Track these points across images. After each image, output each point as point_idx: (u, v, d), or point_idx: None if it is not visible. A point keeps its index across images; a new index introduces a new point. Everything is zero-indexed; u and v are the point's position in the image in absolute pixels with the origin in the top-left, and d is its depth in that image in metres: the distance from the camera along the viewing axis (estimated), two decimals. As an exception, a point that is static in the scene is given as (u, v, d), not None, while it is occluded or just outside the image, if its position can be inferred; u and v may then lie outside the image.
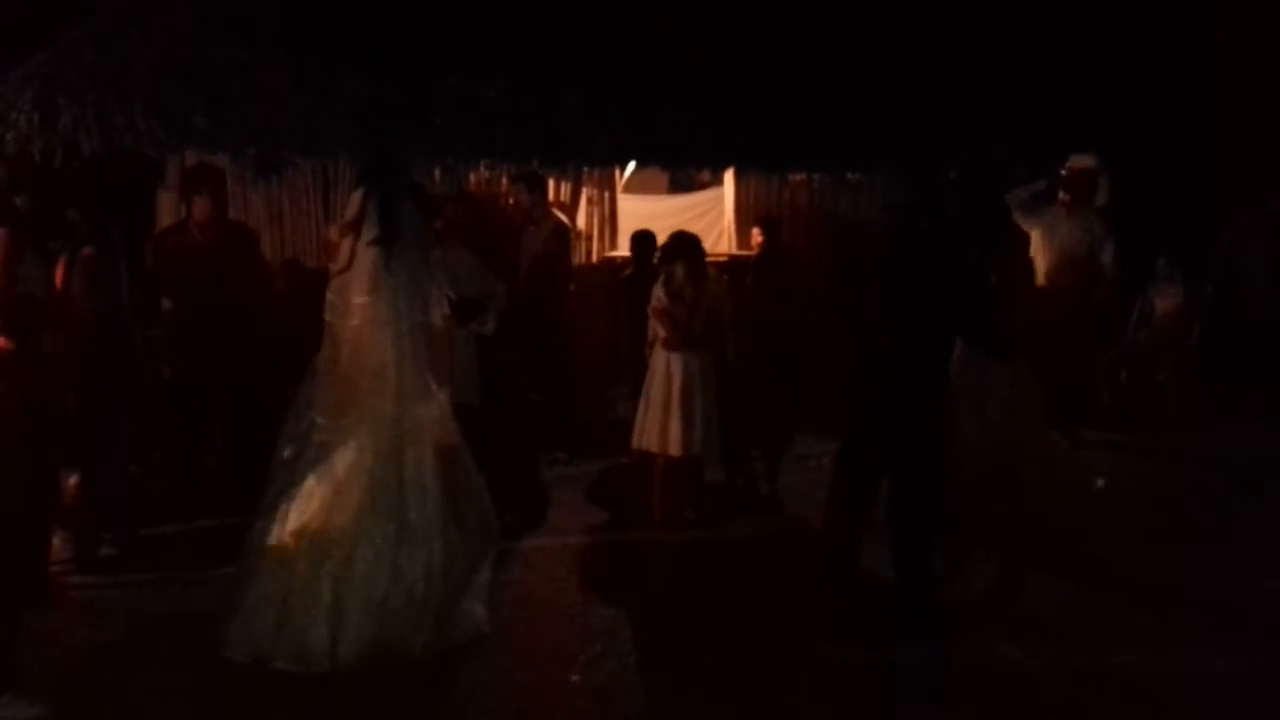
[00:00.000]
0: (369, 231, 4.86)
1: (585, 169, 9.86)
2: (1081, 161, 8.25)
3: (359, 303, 4.86)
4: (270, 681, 4.55)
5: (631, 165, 10.26)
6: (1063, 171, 8.34)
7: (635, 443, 6.71)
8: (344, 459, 4.78)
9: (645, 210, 10.93)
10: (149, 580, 5.64)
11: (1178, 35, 10.35)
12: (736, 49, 10.05)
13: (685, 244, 6.70)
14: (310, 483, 4.79)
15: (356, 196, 5.02)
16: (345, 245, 4.93)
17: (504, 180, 9.31)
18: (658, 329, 6.66)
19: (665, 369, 6.57)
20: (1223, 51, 10.30)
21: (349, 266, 4.91)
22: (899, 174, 7.16)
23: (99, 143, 8.23)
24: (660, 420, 6.54)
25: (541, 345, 8.14)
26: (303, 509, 4.76)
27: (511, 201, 8.79)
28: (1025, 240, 8.29)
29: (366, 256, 4.87)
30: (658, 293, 6.66)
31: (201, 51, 8.90)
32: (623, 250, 10.34)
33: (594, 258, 10.20)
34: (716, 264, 8.31)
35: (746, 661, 4.88)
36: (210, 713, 4.43)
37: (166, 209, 8.47)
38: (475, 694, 4.53)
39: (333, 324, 4.92)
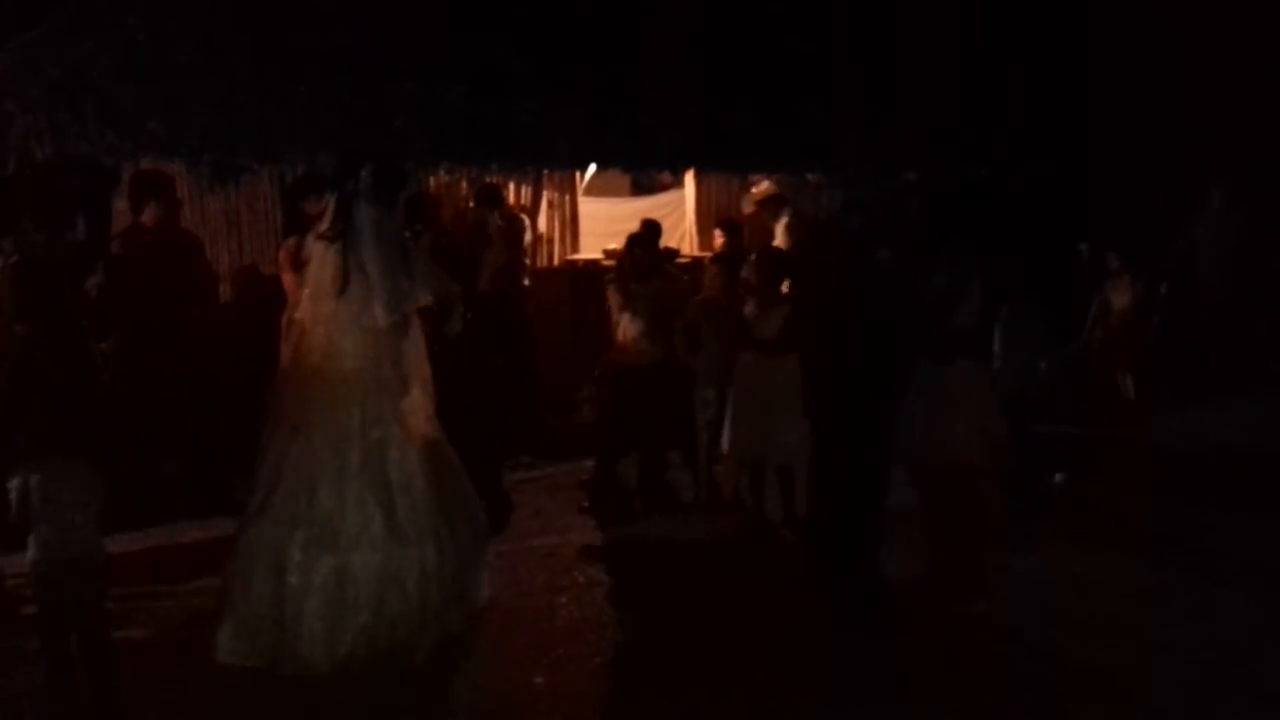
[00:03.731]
0: (338, 233, 4.82)
1: (546, 172, 9.85)
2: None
3: (329, 307, 4.82)
4: (232, 688, 4.53)
5: (592, 168, 10.26)
6: None
7: (742, 453, 6.69)
8: (329, 463, 4.73)
9: (607, 213, 10.94)
10: (107, 591, 5.56)
11: (1129, 34, 10.41)
12: (695, 51, 10.06)
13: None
14: (296, 488, 4.74)
15: (330, 201, 4.92)
16: (317, 249, 4.86)
17: (464, 184, 9.29)
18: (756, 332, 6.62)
19: (763, 372, 6.46)
20: (1172, 52, 10.40)
21: (309, 268, 4.88)
22: (842, 181, 7.22)
23: (52, 150, 8.12)
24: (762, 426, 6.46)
25: (506, 347, 8.14)
26: (292, 515, 4.71)
27: (471, 205, 8.78)
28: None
29: (333, 258, 4.82)
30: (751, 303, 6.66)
31: (157, 56, 8.80)
32: (584, 253, 10.36)
33: (555, 260, 10.18)
34: (681, 265, 8.32)
35: (710, 662, 4.87)
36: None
37: (120, 217, 8.38)
38: (440, 698, 4.52)
39: (303, 329, 4.89)
